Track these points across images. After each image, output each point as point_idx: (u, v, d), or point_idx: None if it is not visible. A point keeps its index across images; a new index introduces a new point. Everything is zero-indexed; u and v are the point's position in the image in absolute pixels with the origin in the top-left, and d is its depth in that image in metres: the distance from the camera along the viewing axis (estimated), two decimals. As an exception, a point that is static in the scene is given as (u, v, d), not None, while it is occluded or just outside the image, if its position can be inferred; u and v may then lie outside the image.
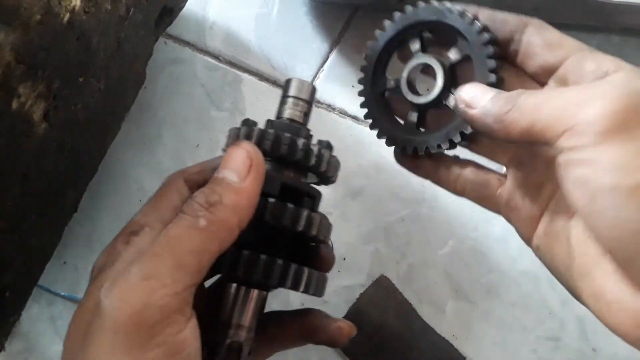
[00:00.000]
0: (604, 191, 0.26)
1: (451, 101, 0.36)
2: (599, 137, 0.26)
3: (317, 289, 0.36)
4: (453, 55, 0.38)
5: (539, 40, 0.35)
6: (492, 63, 0.35)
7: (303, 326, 0.41)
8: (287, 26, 0.66)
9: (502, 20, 0.36)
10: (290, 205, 0.34)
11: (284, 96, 0.39)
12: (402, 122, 0.41)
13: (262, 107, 0.62)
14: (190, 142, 0.60)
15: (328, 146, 0.38)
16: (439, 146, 0.37)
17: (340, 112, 0.62)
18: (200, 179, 0.39)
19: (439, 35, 0.40)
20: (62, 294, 0.53)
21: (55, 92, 0.36)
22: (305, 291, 0.35)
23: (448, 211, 0.57)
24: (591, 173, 0.26)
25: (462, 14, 0.36)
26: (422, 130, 0.40)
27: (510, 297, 0.54)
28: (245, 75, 0.63)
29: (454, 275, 0.54)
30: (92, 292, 0.32)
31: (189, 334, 0.30)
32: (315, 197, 0.38)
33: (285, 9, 0.67)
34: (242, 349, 0.34)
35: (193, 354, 0.30)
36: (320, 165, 0.36)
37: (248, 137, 0.36)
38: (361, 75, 0.42)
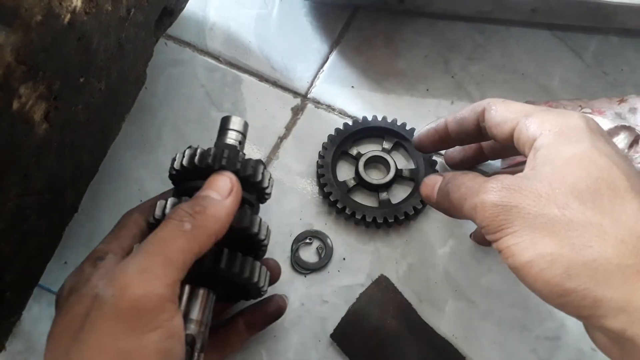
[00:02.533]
0: (513, 270, 0.34)
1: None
2: (493, 235, 0.35)
3: (258, 276, 0.42)
4: (387, 145, 0.59)
5: (491, 123, 0.41)
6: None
7: (247, 316, 0.49)
8: (287, 27, 0.66)
9: (461, 120, 0.45)
10: (249, 212, 0.42)
11: (223, 129, 0.46)
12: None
13: (262, 107, 0.62)
14: (191, 143, 0.59)
15: (262, 163, 0.45)
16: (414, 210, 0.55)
17: (340, 113, 0.62)
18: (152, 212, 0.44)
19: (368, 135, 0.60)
20: (63, 294, 0.54)
21: (56, 93, 0.36)
22: (250, 278, 0.41)
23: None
24: (503, 258, 0.35)
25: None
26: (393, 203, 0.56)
27: (510, 297, 0.54)
28: (245, 76, 0.64)
29: (453, 275, 0.54)
30: (74, 303, 0.36)
31: (179, 320, 0.35)
32: (256, 205, 0.45)
33: (285, 9, 0.67)
34: (195, 341, 0.39)
35: (182, 338, 0.35)
36: (256, 175, 0.43)
37: (192, 157, 0.42)
38: None
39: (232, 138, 0.45)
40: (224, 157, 0.42)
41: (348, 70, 0.64)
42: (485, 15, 0.62)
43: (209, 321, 0.41)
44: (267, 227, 0.44)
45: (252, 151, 0.60)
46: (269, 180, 0.45)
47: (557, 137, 0.35)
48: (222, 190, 0.40)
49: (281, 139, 0.61)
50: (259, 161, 0.44)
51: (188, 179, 0.44)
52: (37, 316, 0.53)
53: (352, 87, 0.63)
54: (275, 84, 0.63)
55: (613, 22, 0.60)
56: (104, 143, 0.50)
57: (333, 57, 0.65)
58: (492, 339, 0.52)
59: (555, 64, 0.64)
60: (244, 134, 0.46)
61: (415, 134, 0.51)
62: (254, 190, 0.44)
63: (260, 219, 0.43)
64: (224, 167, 0.42)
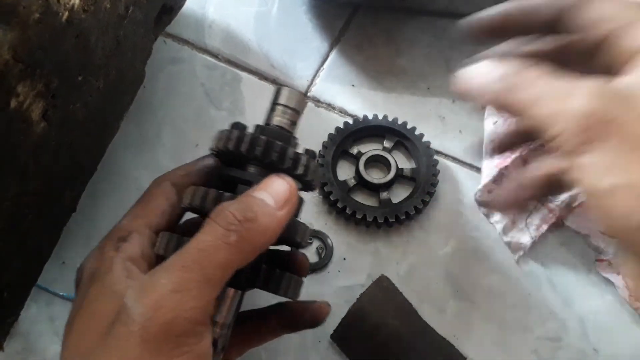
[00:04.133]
0: (587, 194, 0.28)
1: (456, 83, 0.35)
2: (577, 148, 0.27)
3: (294, 292, 0.39)
4: (387, 144, 0.58)
5: (579, 23, 0.34)
6: None
7: (283, 316, 0.43)
8: (287, 25, 0.66)
9: (531, 10, 0.36)
10: (299, 222, 0.37)
11: (274, 103, 0.40)
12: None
13: (262, 106, 0.61)
14: (190, 142, 0.60)
15: (313, 156, 0.40)
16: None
17: (340, 111, 0.62)
18: (186, 183, 0.40)
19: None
20: (61, 294, 0.53)
21: (54, 91, 0.36)
22: (284, 294, 0.38)
23: (449, 211, 0.57)
24: (578, 178, 0.28)
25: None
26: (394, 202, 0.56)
27: (511, 298, 0.54)
28: (244, 74, 0.63)
29: (454, 275, 0.54)
30: (97, 298, 0.33)
31: (207, 343, 0.32)
32: (301, 205, 0.40)
33: (285, 7, 0.67)
34: (216, 344, 0.36)
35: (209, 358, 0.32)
36: (307, 174, 0.38)
37: (239, 141, 0.37)
38: None
39: (285, 117, 0.40)
40: (275, 151, 0.37)
41: (348, 68, 0.63)
42: (487, 14, 0.61)
43: (233, 321, 0.38)
44: (308, 230, 0.40)
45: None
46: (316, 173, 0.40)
47: None
48: (278, 198, 0.34)
49: (281, 137, 0.60)
50: (312, 155, 0.40)
51: (230, 164, 0.39)
52: (35, 316, 0.53)
53: (353, 85, 0.63)
54: (275, 82, 0.63)
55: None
56: (102, 142, 0.49)
57: (333, 55, 0.64)
58: (493, 340, 0.52)
59: (557, 63, 0.63)
60: (298, 111, 0.40)
61: (475, 16, 0.41)
62: (299, 185, 0.40)
63: (305, 226, 0.38)
64: (274, 163, 0.37)
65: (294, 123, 0.40)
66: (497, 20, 0.39)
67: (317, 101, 0.62)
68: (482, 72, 0.32)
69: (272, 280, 0.37)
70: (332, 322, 0.52)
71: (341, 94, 0.62)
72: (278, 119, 0.40)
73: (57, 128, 0.37)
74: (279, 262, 0.41)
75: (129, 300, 0.30)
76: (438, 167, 0.57)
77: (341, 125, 0.59)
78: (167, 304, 0.29)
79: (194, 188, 0.37)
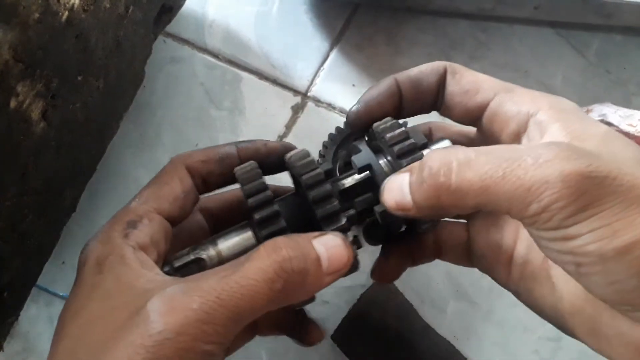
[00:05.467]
0: (592, 260, 0.25)
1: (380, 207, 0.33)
2: (570, 219, 0.25)
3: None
4: None
5: (456, 89, 0.35)
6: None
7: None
8: (287, 24, 0.66)
9: (416, 79, 0.36)
10: None
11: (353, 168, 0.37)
12: None
13: (262, 106, 0.62)
14: (190, 142, 0.60)
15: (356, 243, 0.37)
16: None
17: (341, 111, 0.61)
18: (204, 170, 0.38)
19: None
20: (61, 294, 0.53)
21: (54, 91, 0.36)
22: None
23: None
24: (575, 247, 0.25)
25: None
26: None
27: (512, 298, 0.53)
28: (244, 74, 0.63)
29: (455, 276, 0.54)
30: (104, 294, 0.31)
31: None
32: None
33: (285, 7, 0.66)
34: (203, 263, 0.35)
35: None
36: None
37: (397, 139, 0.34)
38: None
39: (354, 180, 0.36)
40: (336, 221, 0.33)
41: (349, 68, 0.63)
42: (488, 13, 0.61)
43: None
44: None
45: (252, 150, 0.60)
46: None
47: (564, 114, 0.30)
48: (333, 262, 0.31)
49: (281, 137, 0.60)
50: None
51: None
52: (35, 317, 0.53)
53: (353, 85, 0.63)
54: (275, 82, 0.63)
55: (616, 20, 0.59)
56: (102, 142, 0.49)
57: (334, 54, 0.64)
58: (493, 340, 0.52)
59: (558, 62, 0.63)
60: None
61: (359, 101, 0.38)
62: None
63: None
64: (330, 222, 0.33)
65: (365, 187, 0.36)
66: (391, 98, 0.37)
67: (317, 101, 0.62)
68: (398, 184, 0.31)
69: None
70: (332, 323, 0.52)
71: (342, 93, 0.62)
72: (350, 182, 0.36)
73: (57, 128, 0.37)
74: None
75: (153, 311, 0.28)
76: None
77: (342, 125, 0.58)
78: (191, 331, 0.27)
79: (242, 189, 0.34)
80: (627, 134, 0.51)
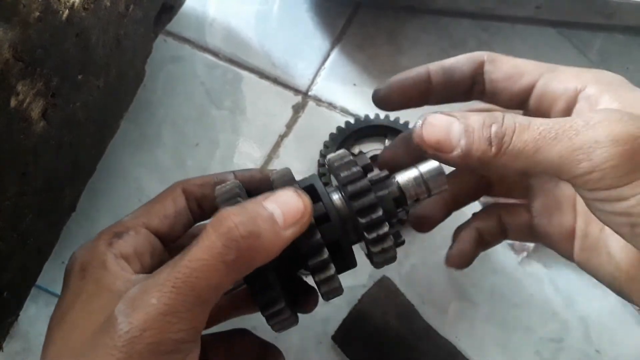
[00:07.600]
0: None
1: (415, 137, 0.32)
2: (623, 179, 0.26)
3: (281, 328, 0.37)
4: (389, 143, 0.52)
5: (499, 76, 0.35)
6: None
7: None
8: (288, 23, 0.65)
9: (449, 68, 0.37)
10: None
11: (416, 167, 0.36)
12: None
13: (263, 105, 0.61)
14: (190, 141, 0.59)
15: (398, 237, 0.37)
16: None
17: (342, 111, 0.61)
18: (199, 193, 0.39)
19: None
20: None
21: (54, 90, 0.36)
22: (272, 328, 0.36)
23: (450, 211, 0.57)
24: (629, 206, 0.26)
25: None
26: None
27: (513, 298, 0.54)
28: (245, 73, 0.63)
29: (456, 276, 0.54)
30: (88, 298, 0.33)
31: (195, 356, 0.31)
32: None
33: (286, 6, 0.66)
34: None
35: None
36: (378, 257, 0.36)
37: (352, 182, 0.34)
38: None
39: (415, 190, 0.36)
40: (372, 218, 0.33)
41: (350, 67, 0.63)
42: (489, 12, 0.61)
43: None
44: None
45: (252, 150, 0.59)
46: None
47: (612, 86, 0.32)
48: (288, 215, 0.31)
49: (282, 137, 0.60)
50: (397, 236, 0.36)
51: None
52: (35, 317, 0.53)
53: (354, 84, 0.62)
54: (275, 81, 0.63)
55: (618, 19, 0.59)
56: (102, 141, 0.49)
57: (334, 54, 0.64)
58: (495, 341, 0.52)
59: (560, 62, 0.62)
60: (431, 193, 0.36)
61: (386, 82, 0.40)
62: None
63: (321, 247, 0.33)
64: (364, 227, 0.33)
65: (417, 200, 0.36)
66: (415, 86, 0.38)
67: (318, 100, 0.62)
68: (446, 123, 0.30)
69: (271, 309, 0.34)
70: (333, 324, 0.51)
71: (342, 93, 0.62)
72: (407, 183, 0.36)
73: (57, 127, 0.37)
74: (289, 283, 0.38)
75: (119, 314, 0.29)
76: (440, 167, 0.57)
77: (342, 125, 0.58)
78: (156, 325, 0.28)
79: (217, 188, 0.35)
80: None
